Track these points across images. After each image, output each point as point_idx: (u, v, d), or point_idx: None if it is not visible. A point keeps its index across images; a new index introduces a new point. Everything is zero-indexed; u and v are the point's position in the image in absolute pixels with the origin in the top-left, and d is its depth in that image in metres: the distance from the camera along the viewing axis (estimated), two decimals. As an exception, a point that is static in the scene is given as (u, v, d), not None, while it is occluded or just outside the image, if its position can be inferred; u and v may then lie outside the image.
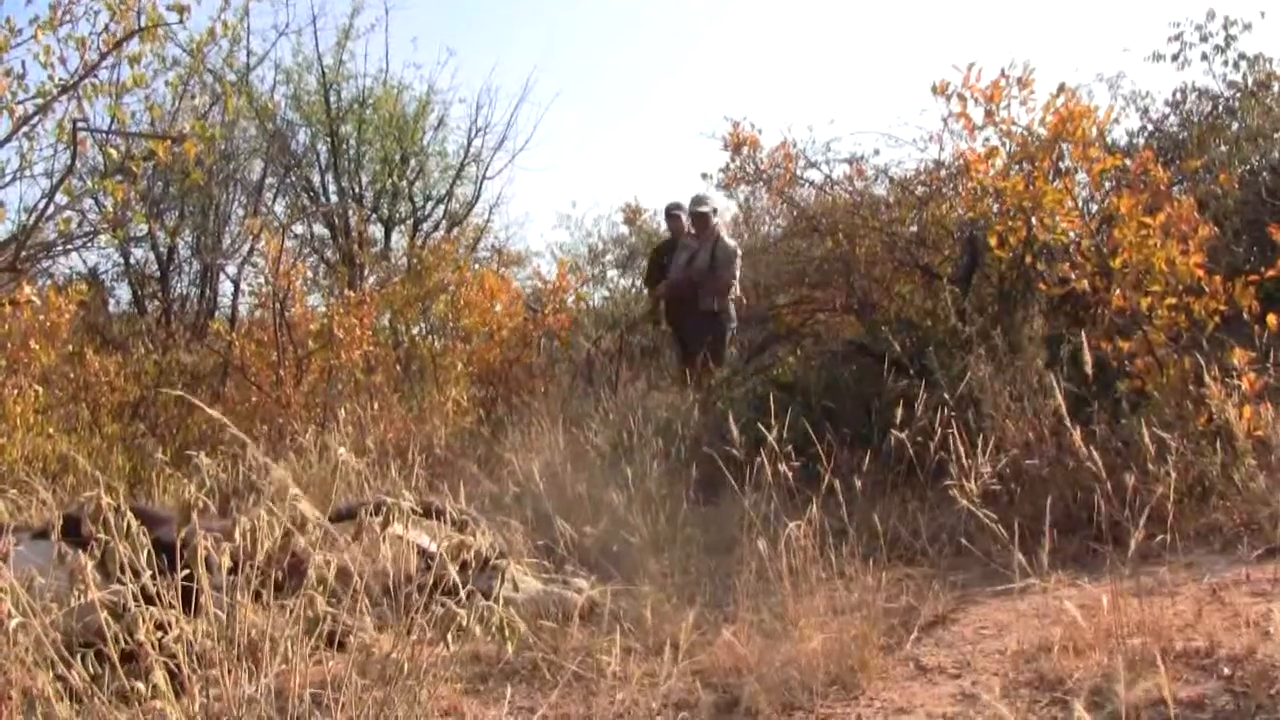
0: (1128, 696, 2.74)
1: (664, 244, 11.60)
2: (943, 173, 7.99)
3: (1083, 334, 4.82)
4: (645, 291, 12.37)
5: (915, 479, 4.70)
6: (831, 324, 8.82)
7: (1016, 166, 6.22)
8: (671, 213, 11.01)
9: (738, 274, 10.22)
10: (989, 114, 6.10)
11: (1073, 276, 5.67)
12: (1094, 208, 6.37)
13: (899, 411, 4.48)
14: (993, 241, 6.19)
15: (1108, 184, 6.28)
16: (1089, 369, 4.57)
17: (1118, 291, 5.42)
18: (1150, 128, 10.91)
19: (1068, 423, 4.05)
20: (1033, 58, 8.58)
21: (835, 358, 7.73)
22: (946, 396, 4.75)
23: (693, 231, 10.37)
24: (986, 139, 6.38)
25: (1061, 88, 5.96)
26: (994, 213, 6.38)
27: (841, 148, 9.90)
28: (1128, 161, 5.78)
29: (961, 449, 4.18)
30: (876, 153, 10.71)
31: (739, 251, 10.22)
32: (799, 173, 8.87)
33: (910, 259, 7.77)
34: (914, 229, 7.96)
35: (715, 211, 10.34)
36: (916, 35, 35.28)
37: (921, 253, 7.78)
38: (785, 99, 31.61)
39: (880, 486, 4.78)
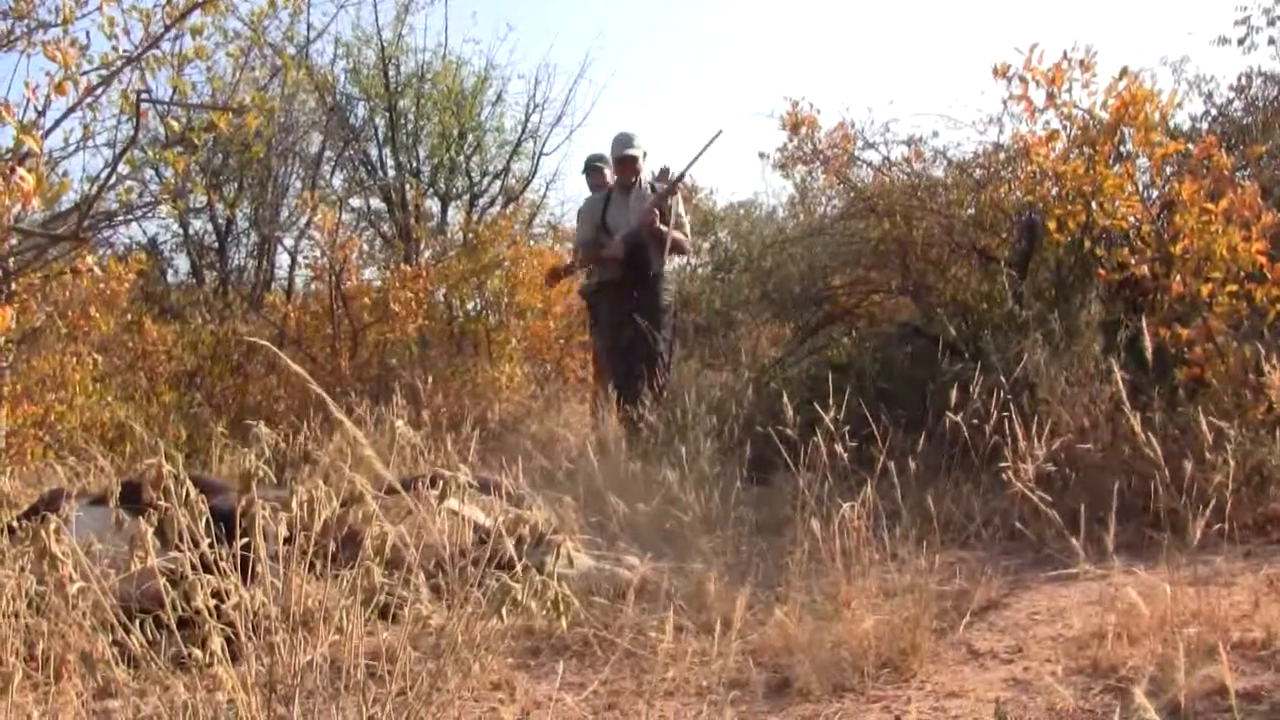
0: (1185, 686, 2.73)
1: (589, 204, 9.81)
2: (1001, 155, 7.93)
3: (1142, 320, 4.79)
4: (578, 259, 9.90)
5: (969, 462, 4.68)
6: (886, 306, 8.76)
7: (1077, 150, 6.18)
8: (593, 165, 9.58)
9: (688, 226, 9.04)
10: (1050, 97, 6.06)
11: (1132, 262, 5.62)
12: (1154, 193, 6.30)
13: (953, 394, 4.46)
14: (1051, 226, 6.15)
15: (1169, 169, 6.22)
16: (1148, 355, 4.54)
17: (1177, 278, 5.38)
18: (1214, 113, 10.79)
19: (1126, 409, 4.02)
20: (1095, 40, 8.52)
21: (890, 340, 7.71)
22: (1002, 380, 4.71)
23: (617, 182, 8.82)
24: (1046, 122, 6.34)
25: (1124, 71, 5.91)
26: (1053, 197, 6.33)
27: (900, 129, 9.91)
28: (1190, 147, 5.73)
29: (1017, 433, 4.16)
30: (935, 134, 10.69)
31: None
32: (857, 153, 8.81)
33: (967, 242, 7.72)
34: (971, 212, 7.91)
35: (645, 155, 8.62)
36: (977, 16, 35.03)
37: (978, 236, 7.73)
38: (845, 79, 31.46)
39: (933, 469, 4.76)
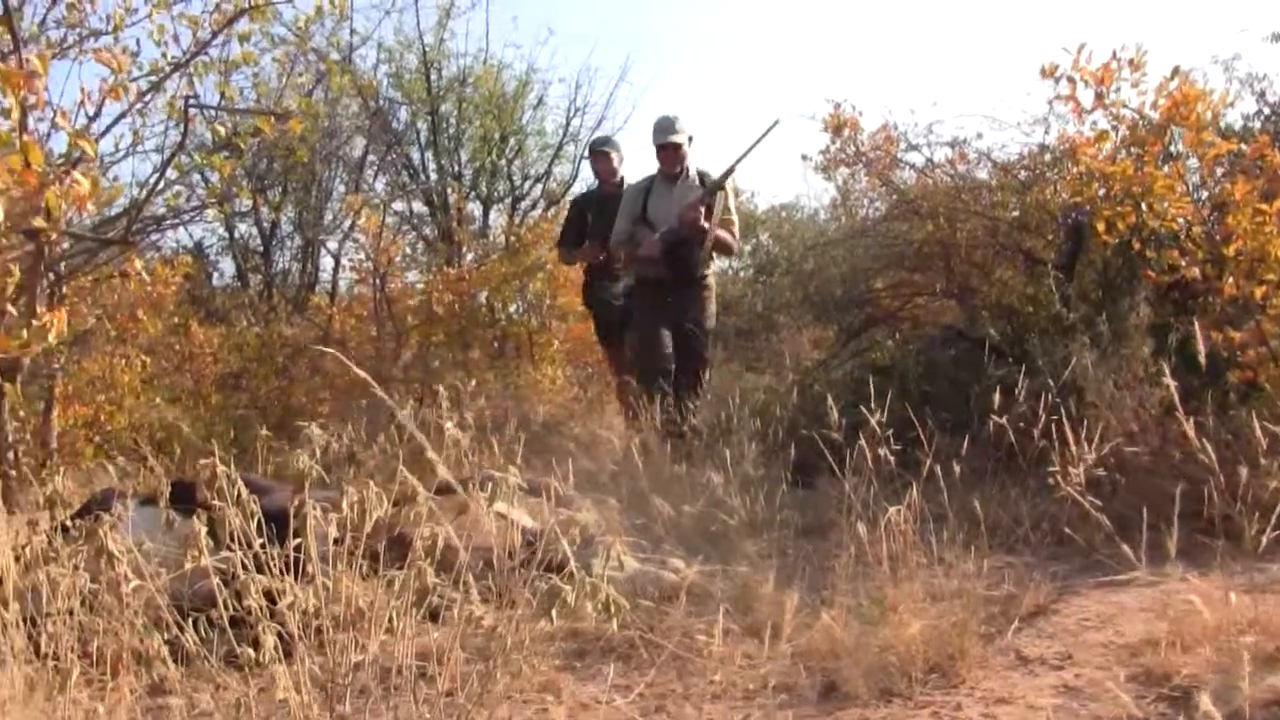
0: (1249, 695, 2.69)
1: (586, 196, 9.52)
2: (1047, 157, 7.88)
3: (1193, 323, 4.74)
4: (561, 255, 9.67)
5: (1015, 466, 4.64)
6: (930, 308, 8.72)
7: (1125, 151, 6.12)
8: (598, 149, 8.96)
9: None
10: (1099, 97, 6.00)
11: (1182, 264, 5.57)
12: (1205, 194, 6.23)
13: (998, 397, 4.42)
14: (1099, 227, 6.09)
15: (1220, 170, 6.15)
16: (1200, 359, 4.49)
17: (1229, 280, 5.32)
18: (1267, 111, 10.69)
19: (1179, 412, 3.98)
20: (1145, 39, 8.45)
21: (934, 343, 7.66)
22: (1049, 383, 4.67)
23: (660, 171, 7.96)
24: (1094, 122, 6.29)
25: (1175, 70, 5.85)
26: (1101, 198, 6.27)
27: (944, 130, 9.79)
28: (1243, 146, 5.67)
29: (1064, 437, 4.12)
30: (979, 136, 10.56)
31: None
32: (899, 155, 8.77)
33: (1012, 244, 7.68)
34: (1016, 213, 7.86)
35: (691, 140, 7.90)
36: (1023, 16, 34.83)
37: (1023, 238, 7.68)
38: (888, 81, 31.29)
39: (979, 473, 4.72)
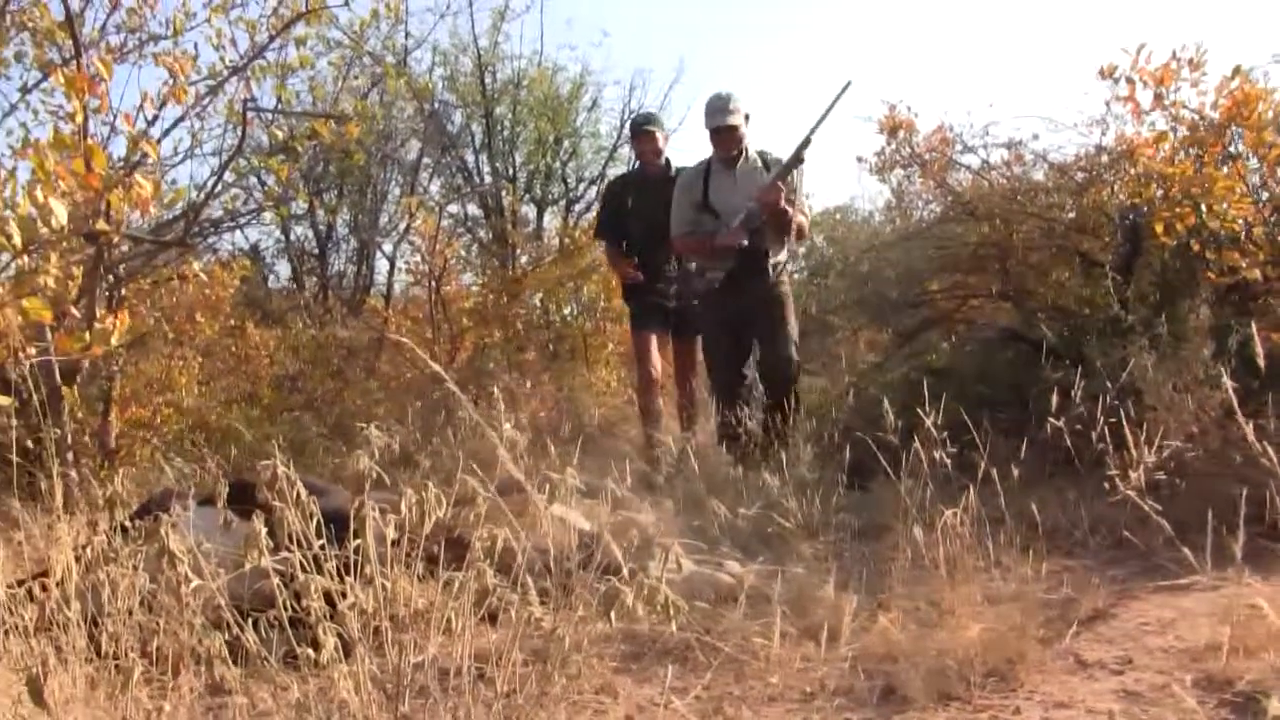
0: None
1: (624, 178, 8.93)
2: (1104, 158, 7.82)
3: (1252, 324, 4.70)
4: (608, 255, 9.02)
5: (1073, 469, 4.62)
6: (985, 310, 8.67)
7: (1185, 151, 6.08)
8: (642, 129, 8.19)
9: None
10: (1158, 97, 5.97)
11: (1243, 265, 5.52)
12: (1266, 194, 6.18)
13: (1055, 400, 4.40)
14: (1158, 229, 6.05)
15: (1282, 169, 6.10)
16: (1260, 361, 4.45)
17: (1291, 281, 5.29)
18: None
19: (1239, 415, 3.94)
20: (1205, 38, 8.37)
21: (989, 345, 7.63)
22: (1106, 385, 4.64)
23: (714, 155, 7.35)
24: (1153, 123, 6.25)
25: (1236, 70, 5.81)
26: (1159, 199, 6.23)
27: (1000, 132, 9.75)
28: (1306, 146, 5.63)
29: (1123, 440, 4.09)
30: (1035, 137, 10.49)
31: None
32: (955, 157, 8.74)
33: (1068, 245, 7.63)
34: (1072, 215, 7.81)
35: (748, 119, 7.26)
36: (1079, 17, 34.60)
37: (1080, 239, 7.63)
38: (943, 82, 31.17)
39: (1037, 476, 4.70)
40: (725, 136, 7.17)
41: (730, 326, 7.23)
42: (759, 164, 7.29)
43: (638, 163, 8.49)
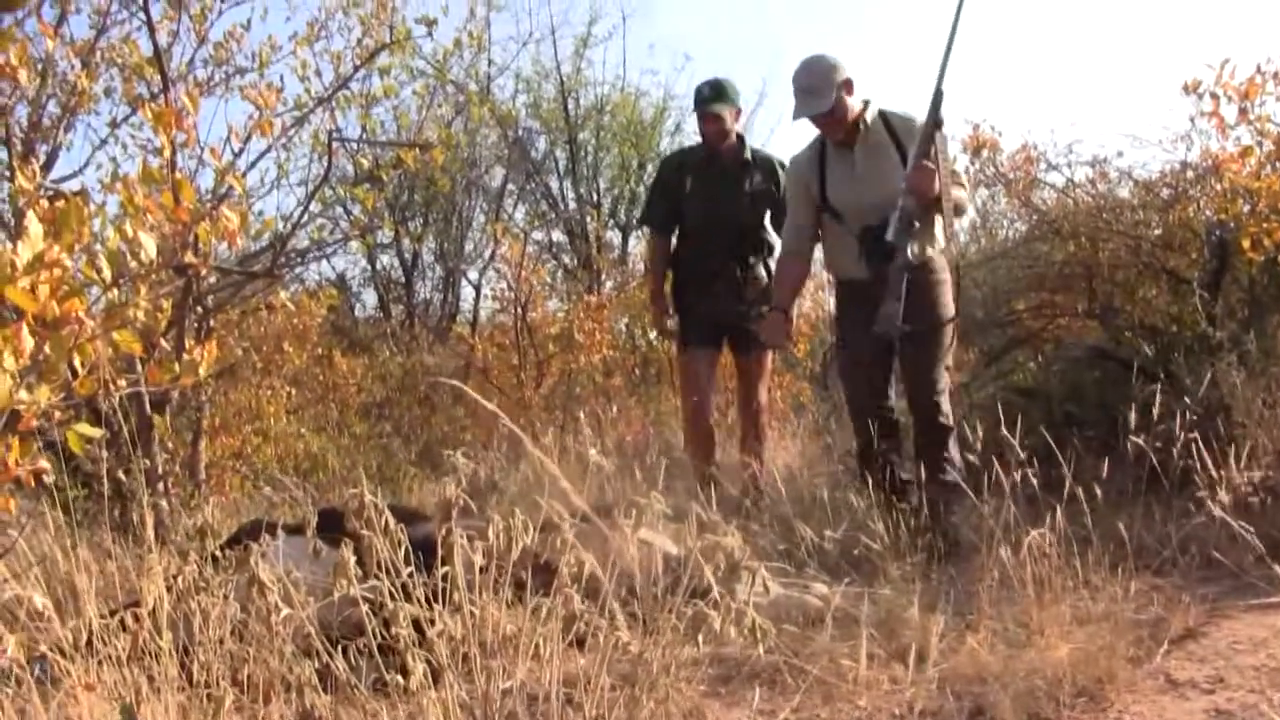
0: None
1: (684, 155, 7.14)
2: (1190, 174, 7.77)
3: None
4: (647, 236, 7.92)
5: (1161, 487, 4.58)
6: (1073, 329, 8.63)
7: (1271, 166, 6.03)
8: (705, 109, 6.51)
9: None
10: (1243, 112, 5.92)
11: (1332, 279, 5.47)
12: (1354, 208, 6.12)
13: (1142, 418, 4.37)
14: (1245, 244, 6.00)
15: (1371, 183, 6.03)
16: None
17: (1381, 296, 5.23)
18: None
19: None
20: (1290, 52, 8.28)
21: (1077, 363, 7.58)
22: (1192, 403, 4.61)
23: (833, 138, 5.51)
24: (1238, 138, 6.20)
25: (1322, 83, 5.77)
26: (1246, 214, 6.18)
27: (1084, 149, 9.74)
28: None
29: (1212, 457, 4.07)
30: (1120, 154, 10.49)
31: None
32: (1039, 175, 8.71)
33: (1155, 263, 7.58)
34: (1159, 232, 7.76)
35: (849, 85, 5.41)
36: (1161, 33, 34.23)
37: (1167, 256, 7.58)
38: (1027, 100, 30.92)
39: (1124, 495, 4.67)
40: (831, 121, 5.42)
41: (864, 349, 5.52)
42: (883, 135, 5.48)
43: (702, 141, 6.81)
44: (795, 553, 4.64)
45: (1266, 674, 3.39)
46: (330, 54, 6.85)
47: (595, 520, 3.21)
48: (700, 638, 2.65)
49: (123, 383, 3.46)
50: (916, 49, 35.37)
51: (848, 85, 5.36)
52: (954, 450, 5.36)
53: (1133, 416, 4.34)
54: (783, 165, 6.51)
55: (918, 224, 5.24)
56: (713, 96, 6.46)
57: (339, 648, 2.84)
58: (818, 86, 5.31)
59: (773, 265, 6.55)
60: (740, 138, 6.72)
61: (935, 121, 5.18)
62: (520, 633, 2.85)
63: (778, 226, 6.57)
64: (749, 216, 6.68)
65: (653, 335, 10.88)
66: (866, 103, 5.48)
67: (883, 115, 5.50)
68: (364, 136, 7.54)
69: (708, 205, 6.60)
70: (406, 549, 2.84)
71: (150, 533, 3.40)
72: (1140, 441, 4.22)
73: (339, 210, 11.98)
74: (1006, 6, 36.16)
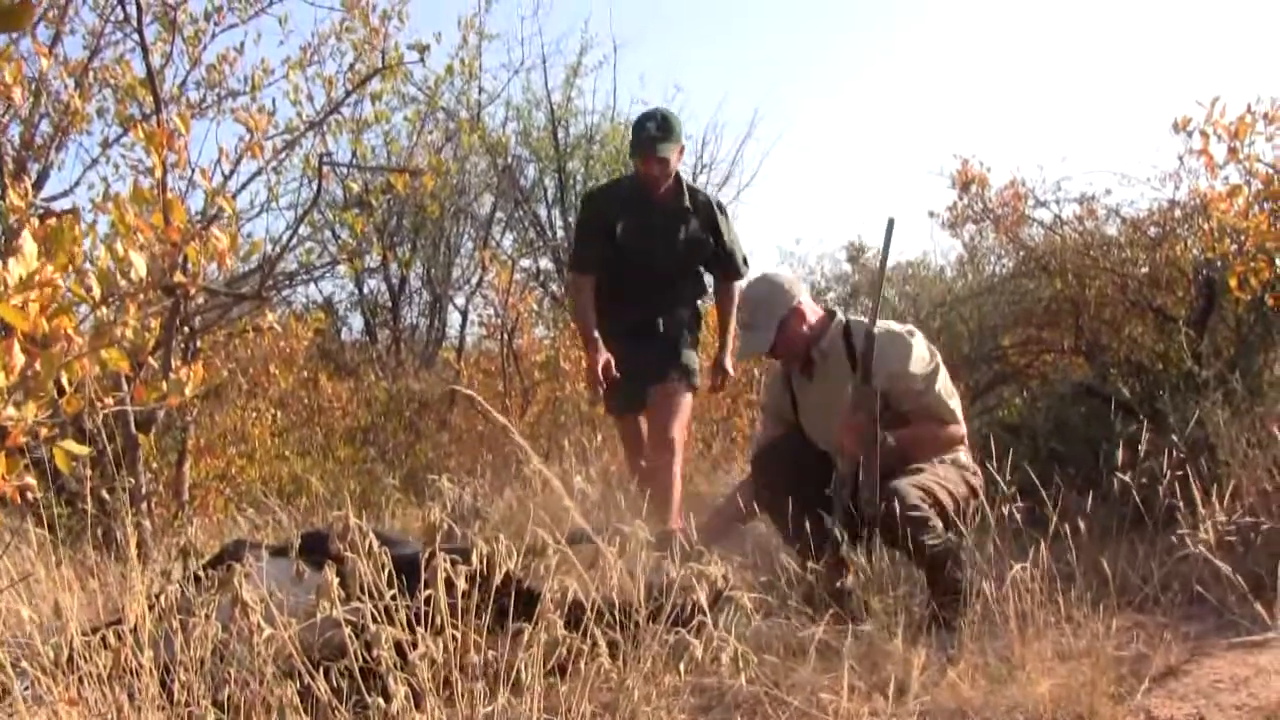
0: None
1: (612, 191, 6.48)
2: (1178, 212, 7.81)
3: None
4: (572, 280, 6.45)
5: (1144, 525, 4.59)
6: (1059, 365, 8.66)
7: (1259, 205, 6.06)
8: (647, 152, 5.67)
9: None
10: (1233, 151, 5.95)
11: (1319, 320, 5.50)
12: (1342, 248, 6.15)
13: (1127, 455, 4.38)
14: (1233, 283, 6.02)
15: (1360, 224, 6.07)
16: (1336, 417, 4.43)
17: (1367, 337, 5.25)
18: None
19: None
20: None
21: (1063, 400, 7.60)
22: (1178, 441, 4.62)
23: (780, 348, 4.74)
24: (1226, 177, 6.23)
25: (1312, 122, 5.80)
26: (1234, 253, 6.21)
27: (1072, 186, 9.79)
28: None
29: (1196, 496, 4.08)
30: (1108, 192, 10.50)
31: None
32: (1028, 212, 8.75)
33: (1142, 300, 7.61)
34: (1146, 270, 7.80)
35: (800, 313, 4.78)
36: (1150, 72, 34.43)
37: (1154, 294, 7.61)
38: (1015, 137, 31.05)
39: (1108, 531, 4.68)
40: (787, 342, 4.78)
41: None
42: (843, 360, 4.75)
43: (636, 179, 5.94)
44: (777, 584, 4.64)
45: (1247, 713, 3.40)
46: (322, 78, 6.87)
47: (585, 541, 3.21)
48: (681, 666, 2.65)
49: (109, 401, 3.46)
50: (913, 73, 35.56)
51: (796, 314, 4.73)
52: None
53: (1118, 453, 4.35)
54: (721, 208, 6.06)
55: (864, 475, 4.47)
56: (660, 136, 5.65)
57: (321, 669, 2.83)
58: (758, 323, 4.75)
59: (700, 309, 6.24)
60: (677, 176, 5.93)
61: (865, 368, 4.49)
62: (501, 658, 2.85)
63: (709, 269, 6.19)
64: (682, 268, 6.05)
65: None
66: (832, 315, 4.86)
67: (847, 331, 4.78)
68: (354, 161, 7.56)
69: (640, 255, 5.84)
70: (389, 572, 2.84)
71: (133, 551, 3.40)
72: (1125, 478, 4.23)
73: (328, 234, 12.01)
74: (996, 43, 36.38)
